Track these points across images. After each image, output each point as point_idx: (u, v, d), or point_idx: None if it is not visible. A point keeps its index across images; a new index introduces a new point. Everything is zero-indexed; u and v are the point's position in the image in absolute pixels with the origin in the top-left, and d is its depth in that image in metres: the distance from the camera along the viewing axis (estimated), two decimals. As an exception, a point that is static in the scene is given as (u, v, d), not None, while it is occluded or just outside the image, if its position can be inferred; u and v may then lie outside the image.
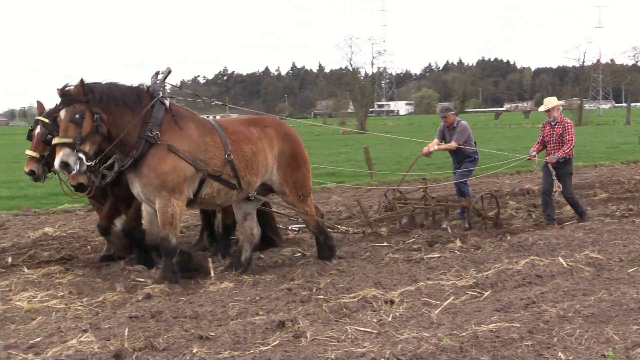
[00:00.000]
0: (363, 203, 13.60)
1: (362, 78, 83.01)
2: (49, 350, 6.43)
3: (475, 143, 14.18)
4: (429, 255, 10.45)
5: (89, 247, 12.02)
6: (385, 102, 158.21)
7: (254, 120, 10.28)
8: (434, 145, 13.89)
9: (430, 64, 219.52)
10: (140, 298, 8.33)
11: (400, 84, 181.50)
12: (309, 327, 7.04)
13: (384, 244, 11.55)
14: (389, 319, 7.33)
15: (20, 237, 13.24)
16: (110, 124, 8.81)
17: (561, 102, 13.92)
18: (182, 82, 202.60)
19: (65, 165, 8.48)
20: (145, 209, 9.30)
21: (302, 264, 10.13)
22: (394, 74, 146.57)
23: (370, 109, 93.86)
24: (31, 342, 6.72)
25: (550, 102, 13.66)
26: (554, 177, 13.21)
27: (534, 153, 13.48)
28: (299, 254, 10.90)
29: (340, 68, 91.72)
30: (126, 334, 6.77)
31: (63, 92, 8.67)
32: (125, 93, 9.00)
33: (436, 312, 7.58)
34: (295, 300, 8.08)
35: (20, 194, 20.34)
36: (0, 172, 28.57)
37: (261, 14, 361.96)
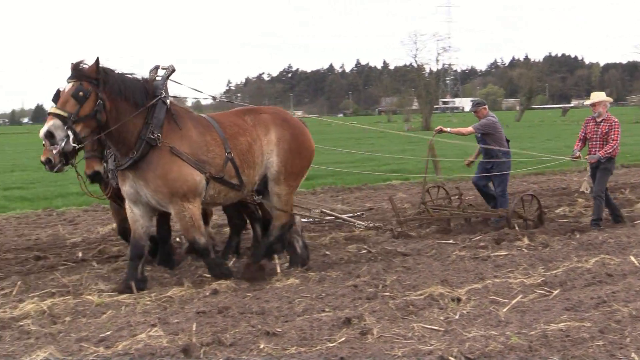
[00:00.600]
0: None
1: (426, 75, 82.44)
2: (119, 344, 6.53)
3: (508, 142, 13.22)
4: (496, 253, 10.31)
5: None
6: (450, 99, 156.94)
7: (250, 109, 9.78)
8: (446, 128, 13.17)
9: (495, 60, 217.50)
10: (207, 294, 8.40)
11: (465, 80, 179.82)
12: (376, 324, 7.01)
13: (450, 241, 11.44)
14: (456, 317, 7.25)
15: (90, 232, 13.49)
16: (111, 115, 8.38)
17: (609, 99, 12.88)
18: (247, 79, 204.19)
19: (50, 135, 8.03)
20: (129, 208, 8.94)
21: (367, 261, 10.10)
22: (459, 70, 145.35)
23: (435, 106, 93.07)
24: (102, 335, 6.84)
25: (597, 96, 12.80)
26: (587, 177, 12.59)
27: (578, 153, 12.67)
28: (365, 250, 10.87)
29: (405, 65, 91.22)
30: (194, 329, 6.85)
31: (75, 67, 8.30)
32: (135, 89, 8.62)
33: (504, 310, 7.47)
34: (361, 297, 8.06)
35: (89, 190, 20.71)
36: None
37: (328, 11, 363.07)
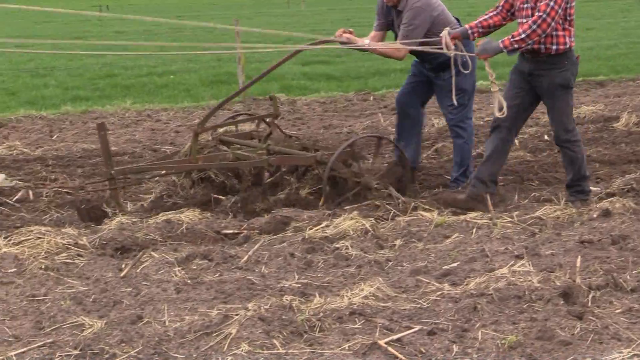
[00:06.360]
0: None
1: None
2: (471, 281, 6.66)
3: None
4: None
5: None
6: None
7: None
8: (359, 39, 9.78)
9: None
10: (594, 216, 8.37)
11: None
12: None
13: None
14: None
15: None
16: None
17: None
18: None
19: None
20: None
21: None
22: None
23: None
24: (445, 267, 7.04)
25: None
26: (494, 88, 8.92)
27: (446, 37, 8.90)
28: None
29: None
30: (578, 265, 6.84)
31: None
32: None
33: None
34: None
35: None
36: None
37: None
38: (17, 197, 9.90)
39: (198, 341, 5.76)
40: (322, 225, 8.27)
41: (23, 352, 5.66)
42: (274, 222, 8.52)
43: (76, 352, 5.64)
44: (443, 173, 10.50)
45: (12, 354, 5.63)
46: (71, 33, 31.00)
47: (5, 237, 8.02)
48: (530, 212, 8.53)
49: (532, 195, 9.26)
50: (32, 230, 8.10)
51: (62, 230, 8.20)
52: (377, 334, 5.75)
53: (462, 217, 8.49)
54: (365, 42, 9.79)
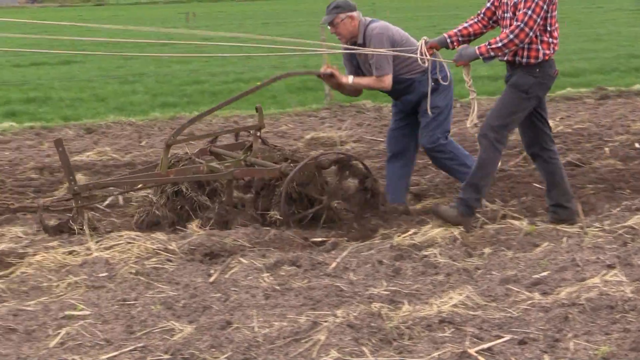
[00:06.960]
0: None
1: None
2: (561, 290, 6.59)
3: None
4: None
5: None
6: None
7: None
8: (344, 77, 9.39)
9: None
10: (687, 225, 8.22)
11: None
12: None
13: None
14: None
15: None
16: None
17: None
18: None
19: None
20: None
21: None
22: None
23: None
24: (535, 276, 6.98)
25: None
26: (472, 95, 8.91)
27: (430, 40, 8.79)
28: None
29: None
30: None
31: None
32: None
33: None
34: None
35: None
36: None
37: None
38: (107, 202, 10.02)
39: (287, 347, 5.77)
40: (410, 233, 8.27)
41: (115, 356, 5.73)
42: (362, 229, 8.54)
43: (167, 356, 5.69)
44: (532, 181, 10.38)
45: (104, 357, 5.71)
46: (158, 39, 31.28)
47: (97, 242, 8.13)
48: (621, 221, 8.41)
49: (624, 204, 9.13)
50: (122, 235, 8.20)
51: (152, 235, 8.28)
52: (467, 342, 5.71)
53: (551, 225, 8.44)
54: (350, 78, 9.41)
